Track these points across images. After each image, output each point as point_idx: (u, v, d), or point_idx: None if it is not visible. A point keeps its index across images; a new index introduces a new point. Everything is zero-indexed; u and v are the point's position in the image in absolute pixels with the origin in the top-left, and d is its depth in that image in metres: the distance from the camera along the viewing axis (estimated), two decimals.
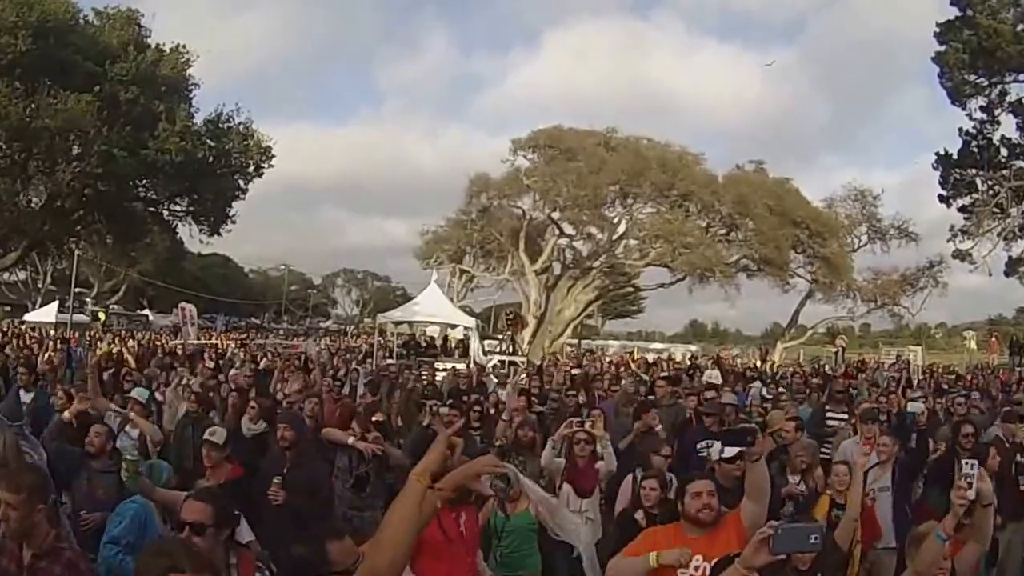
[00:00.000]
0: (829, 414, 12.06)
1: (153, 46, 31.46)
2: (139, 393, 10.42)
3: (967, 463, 5.78)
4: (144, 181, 32.16)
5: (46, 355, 18.44)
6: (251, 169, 33.08)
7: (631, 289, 53.53)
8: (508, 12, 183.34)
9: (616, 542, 6.41)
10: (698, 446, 7.78)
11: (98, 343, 25.80)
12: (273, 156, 33.24)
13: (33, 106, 26.26)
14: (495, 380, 18.74)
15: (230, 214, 34.07)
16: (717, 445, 6.01)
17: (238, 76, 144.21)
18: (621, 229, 46.23)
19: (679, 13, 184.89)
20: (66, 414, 8.28)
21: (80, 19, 30.36)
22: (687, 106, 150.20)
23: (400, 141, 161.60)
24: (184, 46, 32.17)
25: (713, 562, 4.45)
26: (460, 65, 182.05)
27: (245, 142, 32.26)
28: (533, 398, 13.12)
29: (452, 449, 3.12)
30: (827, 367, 32.96)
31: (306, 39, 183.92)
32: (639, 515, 6.85)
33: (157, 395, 12.28)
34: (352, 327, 77.29)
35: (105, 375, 14.52)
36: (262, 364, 18.61)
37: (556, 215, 45.99)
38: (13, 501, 4.13)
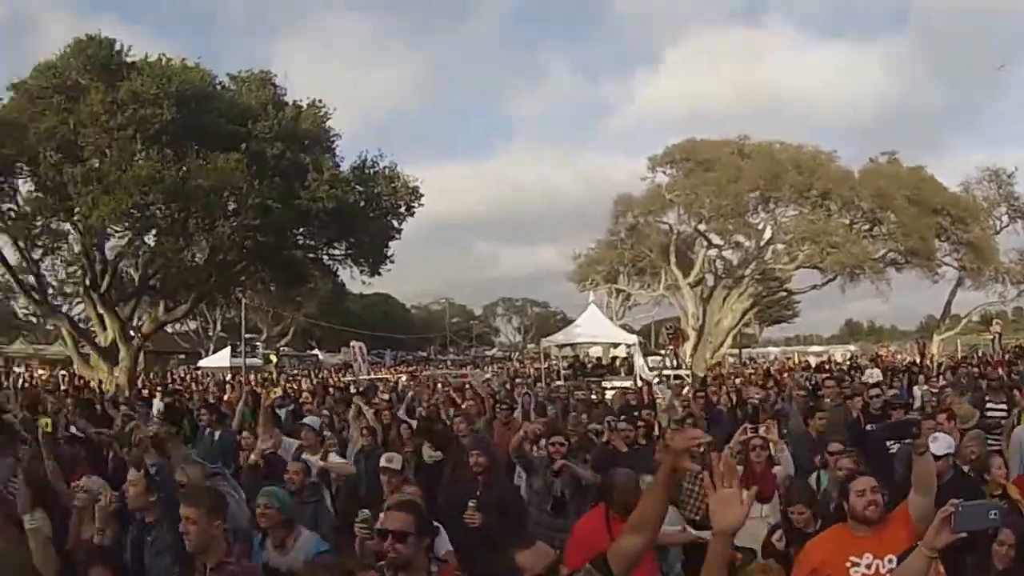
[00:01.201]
0: (989, 404, 11.70)
1: (290, 103, 32.68)
2: (312, 421, 10.96)
3: None
4: (300, 229, 33.04)
5: (227, 396, 19.62)
6: (402, 209, 33.94)
7: (784, 293, 53.13)
8: (628, 37, 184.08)
9: None
10: (889, 443, 7.90)
11: (272, 386, 26.95)
12: (422, 195, 33.84)
13: (185, 169, 27.41)
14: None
15: (388, 254, 34.70)
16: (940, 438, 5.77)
17: (374, 125, 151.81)
18: (767, 235, 46.13)
19: (788, 16, 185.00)
20: (252, 457, 8.81)
21: (217, 85, 31.58)
22: (809, 106, 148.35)
23: (538, 170, 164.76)
24: (320, 100, 33.05)
25: (887, 558, 4.52)
26: (587, 91, 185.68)
27: (392, 184, 33.11)
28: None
29: None
30: (985, 355, 31.83)
31: (437, 82, 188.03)
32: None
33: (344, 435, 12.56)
34: (517, 353, 78.48)
35: (283, 412, 15.32)
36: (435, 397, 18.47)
37: (702, 227, 46.22)
38: (193, 515, 4.85)
